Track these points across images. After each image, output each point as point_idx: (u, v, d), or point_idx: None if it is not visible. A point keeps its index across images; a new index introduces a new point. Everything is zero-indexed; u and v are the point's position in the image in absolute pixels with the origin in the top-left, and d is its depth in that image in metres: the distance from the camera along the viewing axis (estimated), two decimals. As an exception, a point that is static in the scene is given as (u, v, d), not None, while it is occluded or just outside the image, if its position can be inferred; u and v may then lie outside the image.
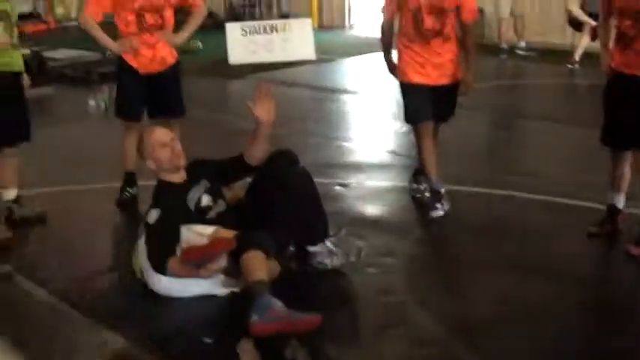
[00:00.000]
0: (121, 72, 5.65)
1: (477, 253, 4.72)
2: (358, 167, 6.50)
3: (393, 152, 6.92)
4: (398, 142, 7.18)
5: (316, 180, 5.82)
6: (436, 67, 5.13)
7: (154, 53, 5.51)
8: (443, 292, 4.23)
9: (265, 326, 3.57)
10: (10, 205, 5.39)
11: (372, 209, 5.49)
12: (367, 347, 3.65)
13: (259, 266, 3.83)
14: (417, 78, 5.15)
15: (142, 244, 4.25)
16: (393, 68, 5.37)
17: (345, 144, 7.29)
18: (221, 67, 11.42)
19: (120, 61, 5.59)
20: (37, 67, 10.26)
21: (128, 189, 5.67)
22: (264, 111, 4.28)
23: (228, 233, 4.04)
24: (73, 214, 5.62)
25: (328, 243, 4.46)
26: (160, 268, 4.07)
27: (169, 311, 4.14)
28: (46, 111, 9.65)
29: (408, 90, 5.23)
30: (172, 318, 4.10)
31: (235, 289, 4.05)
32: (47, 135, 8.08)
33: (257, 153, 4.36)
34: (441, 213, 5.18)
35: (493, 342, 3.66)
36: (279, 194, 4.27)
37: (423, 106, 5.18)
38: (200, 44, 12.25)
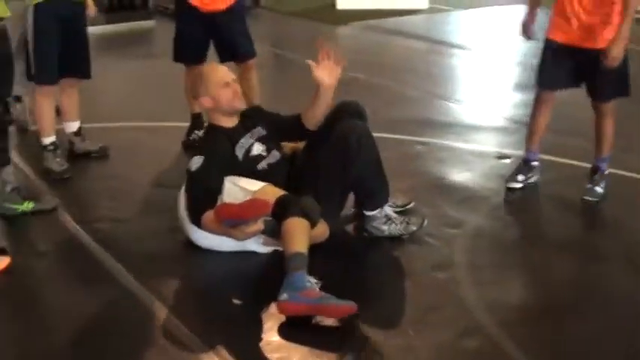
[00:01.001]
0: (181, 12, 5.33)
1: (557, 234, 4.21)
2: (448, 127, 5.98)
3: (493, 115, 6.34)
4: (503, 106, 6.59)
5: (398, 136, 5.48)
6: (582, 25, 4.33)
7: None
8: (504, 275, 3.72)
9: (293, 307, 3.24)
10: (71, 138, 5.22)
11: (449, 174, 5.01)
12: (404, 332, 3.21)
13: (300, 236, 3.43)
14: (558, 35, 4.46)
15: (182, 193, 3.95)
16: (526, 28, 4.69)
17: (443, 102, 6.77)
18: (327, 12, 10.96)
19: (179, 0, 5.26)
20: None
21: (196, 131, 5.41)
22: (325, 73, 3.89)
23: (275, 192, 3.65)
24: (137, 152, 5.44)
25: (387, 208, 4.04)
26: (195, 221, 3.74)
27: (202, 266, 3.87)
28: (144, 44, 9.60)
29: (545, 48, 4.58)
30: (204, 274, 3.84)
31: (278, 248, 3.68)
32: (138, 68, 8.03)
33: (315, 117, 4.00)
34: (518, 185, 4.67)
35: (548, 342, 3.14)
36: (338, 155, 3.85)
37: (553, 70, 4.53)
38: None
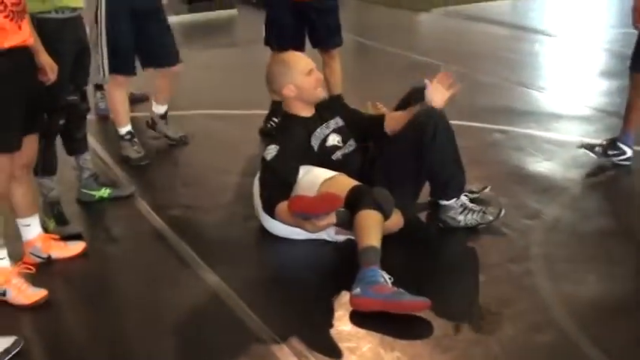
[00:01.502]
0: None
1: (640, 227, 4.05)
2: (529, 115, 5.83)
3: (577, 104, 6.15)
4: (587, 94, 6.40)
5: (477, 124, 5.37)
6: None
7: None
8: (582, 269, 3.57)
9: (366, 302, 3.18)
10: (155, 118, 5.29)
11: (528, 162, 4.86)
12: (476, 324, 3.13)
13: (373, 229, 3.37)
14: None
15: (257, 181, 3.95)
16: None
17: (524, 89, 6.62)
18: (411, -1, 10.88)
19: None
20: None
21: (274, 118, 5.41)
22: (437, 94, 3.87)
23: (349, 182, 3.61)
24: (215, 139, 5.49)
25: (464, 198, 3.95)
26: (269, 211, 3.72)
27: (275, 254, 3.87)
28: (226, 33, 9.68)
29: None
30: (277, 261, 3.84)
31: (351, 237, 3.63)
32: (219, 57, 8.11)
33: (399, 126, 3.92)
34: (591, 154, 4.70)
35: (628, 341, 3.00)
36: (414, 143, 3.79)
37: None
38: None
